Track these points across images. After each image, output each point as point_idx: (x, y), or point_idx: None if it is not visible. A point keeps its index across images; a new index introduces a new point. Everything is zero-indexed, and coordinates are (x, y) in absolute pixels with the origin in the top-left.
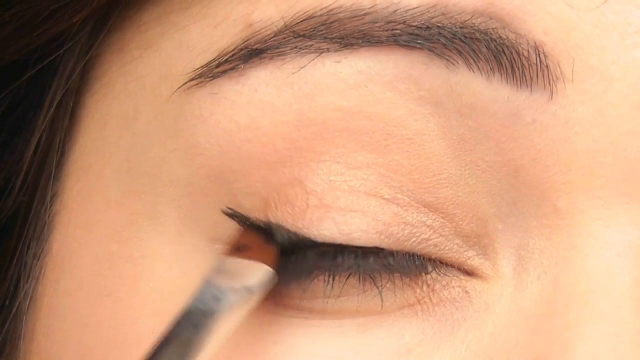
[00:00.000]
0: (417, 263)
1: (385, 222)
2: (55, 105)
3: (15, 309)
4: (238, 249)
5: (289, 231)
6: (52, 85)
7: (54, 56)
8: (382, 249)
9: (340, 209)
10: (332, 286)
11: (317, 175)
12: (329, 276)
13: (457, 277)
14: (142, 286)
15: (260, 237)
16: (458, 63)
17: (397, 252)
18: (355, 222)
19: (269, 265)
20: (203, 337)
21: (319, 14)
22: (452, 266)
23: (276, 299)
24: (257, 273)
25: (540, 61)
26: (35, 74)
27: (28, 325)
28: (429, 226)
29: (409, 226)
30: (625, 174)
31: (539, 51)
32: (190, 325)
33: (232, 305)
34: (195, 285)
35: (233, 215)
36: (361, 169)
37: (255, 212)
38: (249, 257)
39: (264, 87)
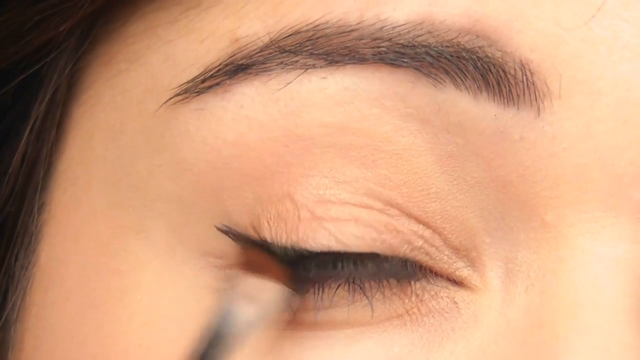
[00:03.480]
0: (409, 270)
1: (378, 229)
2: (42, 115)
3: (3, 319)
4: (250, 267)
5: (285, 247)
6: (38, 95)
7: (41, 64)
8: (377, 255)
9: (333, 219)
10: (322, 298)
11: (306, 190)
12: (318, 287)
13: (445, 287)
14: (130, 298)
15: (272, 256)
16: (445, 81)
17: (392, 257)
18: (349, 229)
19: (284, 284)
20: (227, 354)
21: (304, 29)
22: (441, 276)
23: None
24: (273, 292)
25: (527, 78)
26: (22, 84)
27: (16, 335)
28: (419, 235)
29: (401, 234)
30: (613, 189)
31: (525, 68)
32: (212, 345)
33: (251, 321)
34: (207, 304)
35: (227, 232)
36: (350, 183)
37: (249, 229)
38: (263, 276)
39: (250, 103)
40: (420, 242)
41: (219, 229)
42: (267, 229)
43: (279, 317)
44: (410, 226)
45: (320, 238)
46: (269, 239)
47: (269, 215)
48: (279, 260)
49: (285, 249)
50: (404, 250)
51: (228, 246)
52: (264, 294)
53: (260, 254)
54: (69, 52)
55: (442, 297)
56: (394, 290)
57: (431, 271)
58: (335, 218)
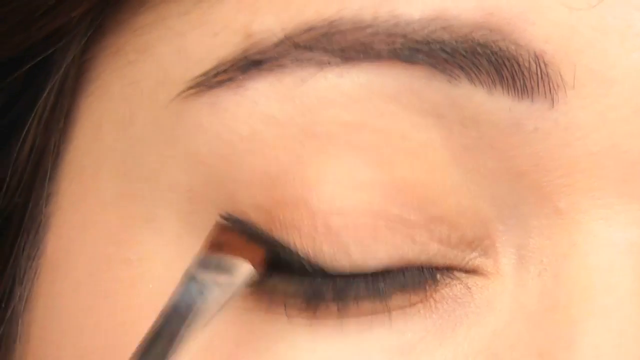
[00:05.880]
0: (426, 275)
1: (395, 244)
2: (50, 105)
3: (10, 311)
4: (219, 245)
5: (299, 256)
6: (46, 85)
7: (50, 51)
8: (392, 270)
9: (351, 236)
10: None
11: (322, 196)
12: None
13: (458, 277)
14: (141, 288)
15: (241, 236)
16: (459, 77)
17: (407, 269)
18: (369, 249)
19: (251, 262)
20: (188, 331)
21: (319, 25)
22: (454, 269)
23: (280, 301)
24: (239, 269)
25: (541, 70)
26: (31, 74)
27: (23, 327)
28: (437, 239)
29: (418, 244)
30: (626, 175)
31: (539, 60)
32: (176, 319)
33: (216, 299)
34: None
35: (233, 222)
36: (366, 191)
37: (260, 225)
38: (231, 254)
39: (264, 99)
40: (436, 249)
41: (223, 217)
42: (279, 231)
43: (266, 301)
44: (428, 234)
45: (336, 257)
46: (281, 242)
47: (282, 217)
48: (257, 245)
49: (300, 260)
50: (420, 261)
51: (216, 228)
52: (231, 272)
53: (238, 236)
54: (78, 41)
55: (455, 284)
56: (408, 288)
57: (446, 267)
58: (353, 235)
